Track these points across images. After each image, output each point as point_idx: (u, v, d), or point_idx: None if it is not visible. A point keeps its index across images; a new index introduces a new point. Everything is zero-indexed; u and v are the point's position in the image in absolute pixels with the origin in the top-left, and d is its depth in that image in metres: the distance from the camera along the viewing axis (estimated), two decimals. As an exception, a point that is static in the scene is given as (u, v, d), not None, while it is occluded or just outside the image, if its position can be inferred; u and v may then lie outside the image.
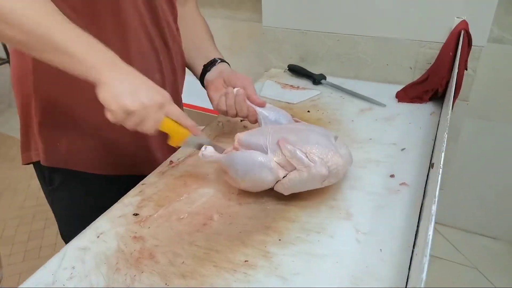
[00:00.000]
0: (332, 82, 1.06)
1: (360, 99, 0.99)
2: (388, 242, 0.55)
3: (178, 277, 0.51)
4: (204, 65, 0.80)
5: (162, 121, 0.59)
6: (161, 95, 0.58)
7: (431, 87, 0.94)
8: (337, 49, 1.12)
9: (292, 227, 0.59)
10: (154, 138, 0.75)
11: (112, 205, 0.65)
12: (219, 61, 0.80)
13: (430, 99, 0.97)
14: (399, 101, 0.97)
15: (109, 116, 0.55)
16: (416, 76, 1.06)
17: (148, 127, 0.57)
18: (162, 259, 0.54)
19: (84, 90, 0.65)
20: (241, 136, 0.64)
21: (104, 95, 0.53)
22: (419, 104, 0.96)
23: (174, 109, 0.60)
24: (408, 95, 0.97)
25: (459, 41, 0.86)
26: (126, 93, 0.53)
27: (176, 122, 0.61)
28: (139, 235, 0.59)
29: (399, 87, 1.02)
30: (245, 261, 0.53)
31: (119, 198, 0.66)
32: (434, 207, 0.45)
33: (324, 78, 1.08)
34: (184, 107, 0.93)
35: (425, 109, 0.94)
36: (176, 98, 0.83)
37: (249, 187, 0.63)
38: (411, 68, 1.07)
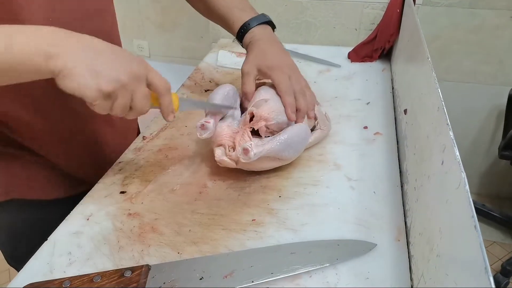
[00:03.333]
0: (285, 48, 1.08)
1: (315, 62, 1.02)
2: (379, 185, 0.59)
3: (189, 244, 0.50)
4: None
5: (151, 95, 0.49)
6: (136, 62, 0.46)
7: (380, 45, 0.99)
8: (286, 15, 1.13)
9: (288, 183, 0.60)
10: (86, 156, 0.69)
11: (55, 225, 0.55)
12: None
13: (378, 57, 1.03)
14: (352, 61, 1.02)
15: (94, 108, 0.45)
16: (361, 36, 1.11)
17: (139, 107, 0.47)
18: (166, 230, 0.52)
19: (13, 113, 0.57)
20: (269, 115, 0.60)
21: (72, 86, 0.41)
22: (369, 62, 1.02)
23: (156, 76, 0.48)
24: (359, 55, 1.02)
25: (404, -1, 0.92)
26: (94, 74, 0.42)
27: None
28: (133, 211, 0.56)
29: (348, 49, 1.06)
30: (252, 220, 0.54)
31: (61, 219, 0.56)
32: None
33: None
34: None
35: (376, 66, 1.00)
36: None
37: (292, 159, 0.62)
38: (356, 30, 1.12)
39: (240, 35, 0.71)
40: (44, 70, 0.40)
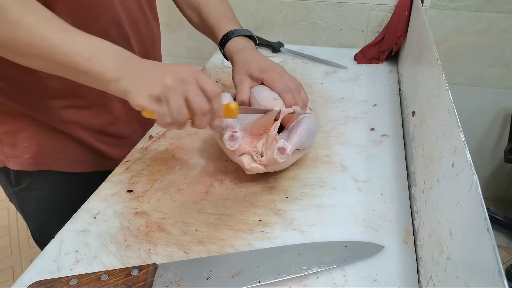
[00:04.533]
0: (291, 49, 1.08)
1: (322, 63, 1.02)
2: (386, 187, 0.59)
3: (196, 244, 0.50)
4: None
5: None
6: (185, 69, 0.49)
7: (387, 47, 0.99)
8: (293, 16, 1.13)
9: (294, 184, 0.60)
10: (119, 131, 0.73)
11: (82, 201, 0.58)
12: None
13: (385, 59, 1.03)
14: (358, 62, 1.02)
15: (158, 122, 0.48)
16: (368, 38, 1.11)
17: (196, 105, 0.47)
18: (173, 229, 0.52)
19: (46, 88, 0.62)
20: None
21: (136, 102, 0.46)
22: (376, 64, 1.01)
23: (205, 81, 0.48)
24: (365, 56, 1.02)
25: (412, 1, 0.92)
26: (149, 84, 0.46)
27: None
28: (140, 210, 0.56)
29: (355, 50, 1.06)
30: (259, 220, 0.53)
31: (88, 194, 0.60)
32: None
33: (282, 45, 1.09)
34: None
35: (383, 68, 0.99)
36: None
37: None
38: (363, 31, 1.12)
39: (224, 41, 0.73)
40: (111, 88, 0.47)
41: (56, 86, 0.62)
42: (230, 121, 0.58)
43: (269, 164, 0.57)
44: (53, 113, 0.64)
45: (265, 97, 0.62)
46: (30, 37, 0.45)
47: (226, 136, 0.56)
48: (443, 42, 1.42)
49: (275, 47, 1.08)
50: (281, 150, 0.54)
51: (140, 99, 0.46)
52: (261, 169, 0.57)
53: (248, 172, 0.57)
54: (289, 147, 0.54)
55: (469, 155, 0.36)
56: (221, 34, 0.74)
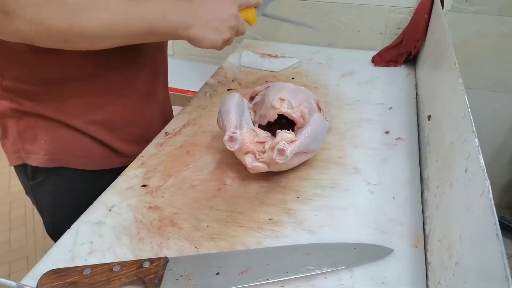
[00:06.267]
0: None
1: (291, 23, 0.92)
2: (399, 190, 0.59)
3: (206, 240, 0.51)
4: None
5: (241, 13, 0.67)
6: (228, 8, 0.63)
7: (405, 50, 0.98)
8: (311, 16, 1.13)
9: (306, 184, 0.60)
10: (135, 128, 0.74)
11: (95, 198, 0.60)
12: None
13: (403, 62, 1.02)
14: (375, 65, 1.01)
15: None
16: (386, 41, 1.10)
17: (242, 29, 0.67)
18: (185, 225, 0.53)
19: (64, 87, 0.64)
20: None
21: (206, 46, 0.62)
22: (394, 67, 1.01)
23: (242, 1, 0.66)
24: (383, 59, 1.02)
25: (433, 4, 0.91)
26: (217, 32, 0.61)
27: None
28: (154, 205, 0.57)
29: (372, 53, 1.06)
30: (270, 219, 0.54)
31: (101, 191, 0.61)
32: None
33: None
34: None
35: (401, 71, 0.99)
36: (164, 78, 0.81)
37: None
38: (381, 34, 1.11)
39: None
40: (181, 35, 0.59)
41: (74, 86, 0.64)
42: (234, 121, 0.60)
43: (271, 163, 0.57)
44: (70, 111, 0.66)
45: (273, 93, 0.64)
46: (119, 19, 0.52)
47: (226, 137, 0.57)
48: (463, 46, 1.39)
49: None
50: (281, 152, 0.54)
51: (217, 44, 0.63)
52: (263, 168, 0.58)
53: (251, 171, 0.58)
54: (289, 150, 0.54)
55: (482, 161, 0.36)
56: None
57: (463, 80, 0.52)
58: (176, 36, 0.59)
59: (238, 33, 0.66)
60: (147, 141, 0.72)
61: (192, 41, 0.61)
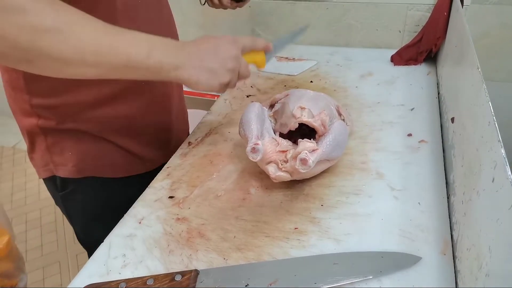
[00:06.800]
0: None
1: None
2: (424, 195, 0.59)
3: (234, 251, 0.52)
4: None
5: (245, 57, 0.62)
6: (231, 45, 0.58)
7: (425, 48, 0.97)
8: (327, 17, 1.13)
9: (330, 192, 0.61)
10: (156, 138, 0.76)
11: (126, 204, 0.62)
12: None
13: (423, 61, 1.00)
14: (395, 64, 1.00)
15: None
16: (405, 39, 1.09)
17: (245, 74, 0.62)
18: (212, 236, 0.55)
19: (86, 98, 0.65)
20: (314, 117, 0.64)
21: (202, 88, 0.56)
22: (414, 66, 0.99)
23: (245, 43, 0.61)
24: (403, 58, 1.01)
25: (452, 1, 0.90)
26: (213, 75, 0.56)
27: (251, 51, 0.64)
28: (181, 216, 0.58)
29: (391, 51, 1.05)
30: (295, 228, 0.55)
31: (132, 197, 0.63)
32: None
33: None
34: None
35: (421, 70, 0.97)
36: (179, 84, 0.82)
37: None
38: (400, 32, 1.10)
39: None
40: (171, 76, 0.53)
41: (95, 96, 0.65)
42: (255, 131, 0.60)
43: (294, 172, 0.58)
44: (93, 121, 0.68)
45: (293, 101, 0.64)
46: (91, 46, 0.46)
47: (248, 148, 0.57)
48: (484, 37, 1.36)
49: None
50: (303, 161, 0.55)
51: (214, 88, 0.57)
52: (286, 177, 0.58)
53: (274, 180, 0.59)
54: (311, 159, 0.54)
55: (509, 172, 0.36)
56: None
57: (484, 72, 0.51)
58: (165, 77, 0.53)
59: (240, 76, 0.61)
60: (167, 144, 0.74)
61: (185, 83, 0.55)
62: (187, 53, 0.54)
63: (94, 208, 0.75)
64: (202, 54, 0.55)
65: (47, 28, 0.42)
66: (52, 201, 0.79)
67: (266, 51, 0.66)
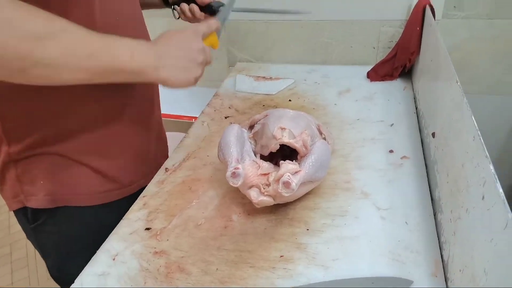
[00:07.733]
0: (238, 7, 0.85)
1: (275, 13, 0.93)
2: (410, 214, 0.57)
3: (217, 285, 0.49)
4: None
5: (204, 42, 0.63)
6: (193, 37, 0.60)
7: (400, 63, 0.98)
8: (303, 35, 1.13)
9: (315, 215, 0.58)
10: (134, 163, 0.72)
11: (103, 235, 0.59)
12: None
13: (399, 76, 1.01)
14: (371, 80, 1.01)
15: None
16: (380, 55, 1.10)
17: (209, 58, 0.63)
18: (193, 269, 0.51)
19: (64, 116, 0.62)
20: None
21: (179, 87, 0.58)
22: (390, 81, 1.00)
23: (204, 30, 0.63)
24: (378, 73, 1.01)
25: (424, 16, 0.91)
26: (187, 72, 0.58)
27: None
28: (159, 249, 0.55)
29: (367, 68, 1.05)
30: (281, 256, 0.52)
31: (110, 226, 0.60)
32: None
33: (222, 4, 0.83)
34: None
35: (397, 85, 0.98)
36: (157, 100, 0.79)
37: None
38: (374, 48, 1.11)
39: None
40: (151, 77, 0.55)
41: (71, 118, 0.62)
42: (235, 155, 0.58)
43: (277, 196, 0.55)
44: (68, 143, 0.64)
45: (273, 122, 0.63)
46: (84, 50, 0.47)
47: (228, 173, 0.55)
48: (456, 51, 1.40)
49: (213, 7, 0.84)
50: (286, 184, 0.52)
51: (190, 83, 0.59)
52: (270, 201, 0.56)
53: (257, 206, 0.56)
54: (294, 182, 0.52)
55: (501, 190, 0.34)
56: None
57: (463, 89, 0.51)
58: (146, 78, 0.54)
59: (206, 64, 0.64)
60: (146, 167, 0.71)
61: (164, 83, 0.57)
62: (161, 53, 0.56)
63: (68, 240, 0.70)
64: (174, 52, 0.57)
65: (40, 35, 0.43)
66: (24, 235, 0.74)
67: (217, 31, 0.68)
